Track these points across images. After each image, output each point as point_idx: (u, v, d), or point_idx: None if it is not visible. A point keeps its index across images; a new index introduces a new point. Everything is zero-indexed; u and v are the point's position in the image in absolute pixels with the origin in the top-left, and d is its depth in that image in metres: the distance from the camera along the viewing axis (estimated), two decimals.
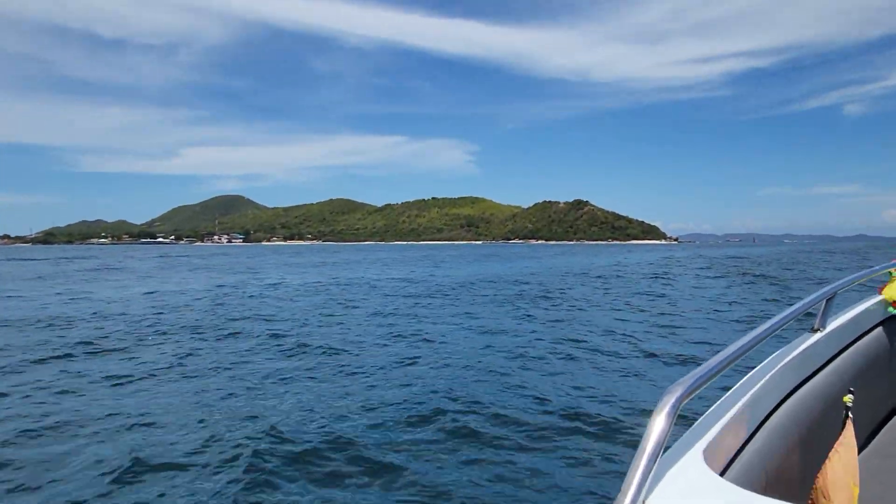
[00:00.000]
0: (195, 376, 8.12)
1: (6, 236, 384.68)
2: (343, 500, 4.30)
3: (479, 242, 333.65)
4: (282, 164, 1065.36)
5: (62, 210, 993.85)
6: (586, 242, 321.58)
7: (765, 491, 1.32)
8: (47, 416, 6.32)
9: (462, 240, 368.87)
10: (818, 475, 1.46)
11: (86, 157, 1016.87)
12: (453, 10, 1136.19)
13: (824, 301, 2.09)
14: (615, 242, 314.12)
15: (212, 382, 7.76)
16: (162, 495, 4.40)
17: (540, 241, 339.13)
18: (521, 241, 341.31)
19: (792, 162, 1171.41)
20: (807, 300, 1.92)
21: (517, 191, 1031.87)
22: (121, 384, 7.72)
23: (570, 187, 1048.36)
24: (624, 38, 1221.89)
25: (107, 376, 8.11)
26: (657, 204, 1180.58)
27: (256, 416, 6.17)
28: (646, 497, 0.97)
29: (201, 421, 6.07)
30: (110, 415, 6.37)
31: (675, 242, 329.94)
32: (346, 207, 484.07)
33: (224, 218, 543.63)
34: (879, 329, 2.58)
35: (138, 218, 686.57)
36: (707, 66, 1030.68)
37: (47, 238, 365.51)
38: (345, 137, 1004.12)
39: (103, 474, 4.77)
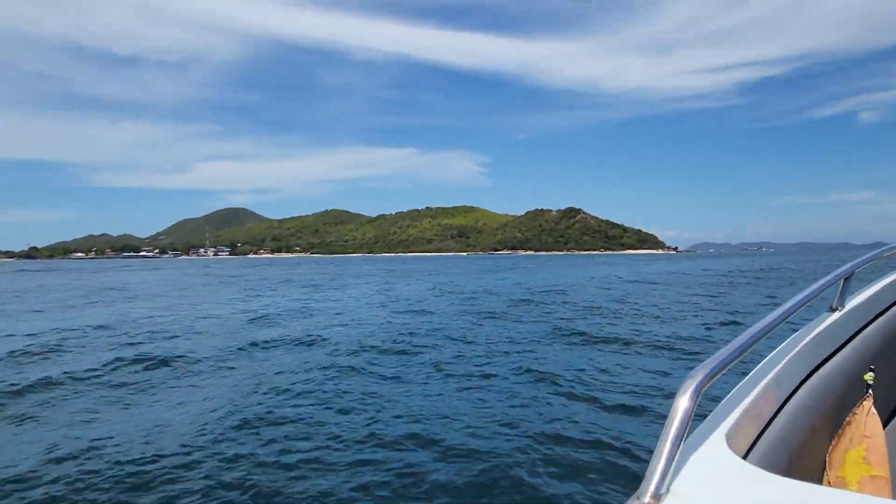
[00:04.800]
0: None
1: None
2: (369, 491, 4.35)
3: (465, 254, 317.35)
4: (293, 177, 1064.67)
5: (74, 225, 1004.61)
6: (576, 252, 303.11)
7: (788, 472, 1.32)
8: None
9: (451, 251, 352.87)
10: (834, 454, 1.47)
11: (100, 173, 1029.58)
12: (463, 22, 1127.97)
13: (842, 280, 2.04)
14: (608, 252, 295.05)
15: None
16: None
17: (529, 252, 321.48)
18: (509, 252, 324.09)
19: (807, 170, 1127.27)
20: (824, 280, 1.87)
21: (525, 200, 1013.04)
22: None
23: (574, 196, 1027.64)
24: (635, 48, 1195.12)
25: None
26: (669, 214, 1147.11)
27: None
28: (671, 482, 0.97)
29: None
30: None
31: (674, 252, 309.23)
32: (339, 219, 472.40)
33: (222, 231, 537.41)
34: None
35: (144, 232, 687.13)
36: (719, 75, 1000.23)
37: (30, 253, 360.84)
38: (355, 150, 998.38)
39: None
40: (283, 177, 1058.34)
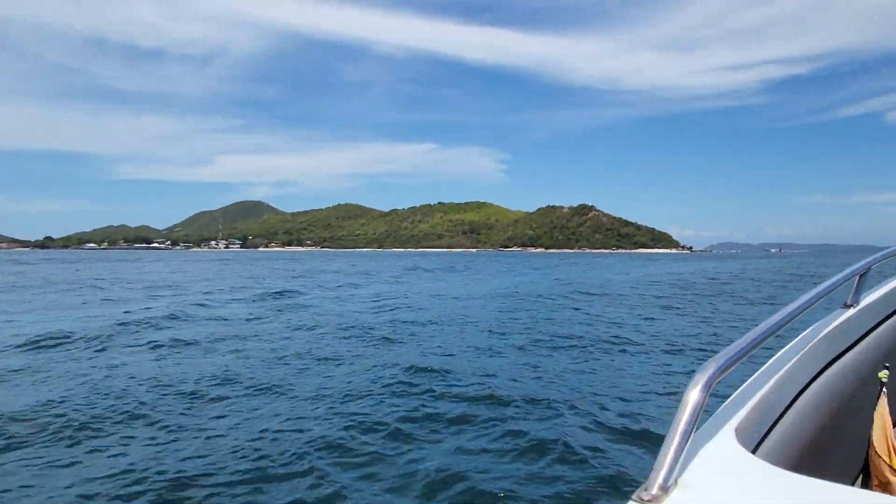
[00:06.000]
0: None
1: (14, 240, 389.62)
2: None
3: (475, 250, 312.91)
4: (312, 171, 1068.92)
5: (95, 216, 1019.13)
6: (588, 251, 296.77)
7: (798, 468, 1.27)
8: None
9: (461, 247, 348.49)
10: (869, 452, 1.44)
11: (122, 165, 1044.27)
12: (483, 18, 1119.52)
13: (857, 277, 2.00)
14: (620, 251, 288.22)
15: None
16: None
17: (539, 249, 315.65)
18: (519, 249, 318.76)
19: (831, 170, 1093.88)
20: (840, 276, 1.82)
21: (542, 198, 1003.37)
22: None
23: (591, 194, 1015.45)
24: (656, 45, 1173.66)
25: None
26: (688, 213, 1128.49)
27: None
28: (678, 475, 0.96)
29: None
30: None
31: (688, 251, 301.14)
32: (352, 213, 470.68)
33: (236, 223, 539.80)
34: None
35: (162, 223, 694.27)
36: (742, 73, 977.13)
37: (45, 243, 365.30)
38: (375, 145, 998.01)
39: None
40: (303, 171, 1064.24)
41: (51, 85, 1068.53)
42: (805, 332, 1.80)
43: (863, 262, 2.03)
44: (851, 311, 2.01)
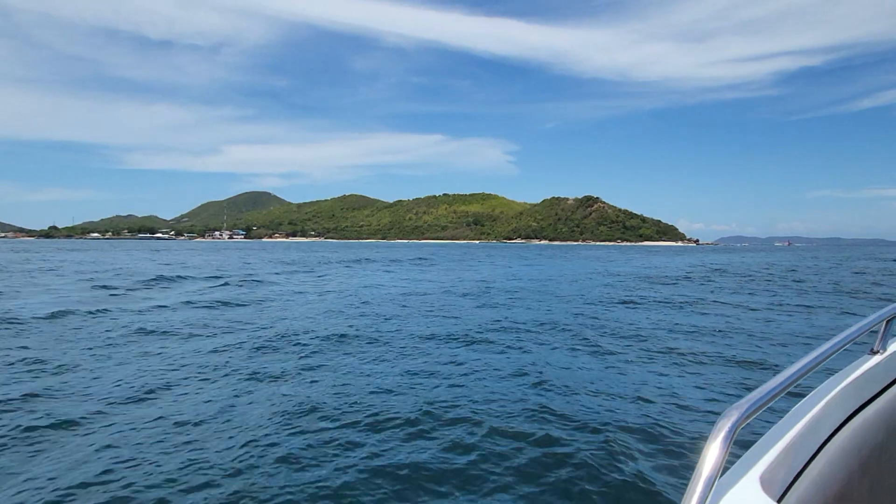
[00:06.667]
0: None
1: (20, 229, 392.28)
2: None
3: (478, 242, 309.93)
4: (321, 162, 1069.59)
5: (104, 205, 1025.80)
6: (592, 243, 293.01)
7: None
8: None
9: (465, 238, 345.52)
10: None
11: (131, 155, 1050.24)
12: (493, 8, 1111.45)
13: (884, 322, 1.96)
14: (624, 243, 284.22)
15: None
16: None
17: (543, 241, 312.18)
18: (522, 241, 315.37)
19: (843, 163, 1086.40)
20: (866, 321, 1.80)
21: (549, 189, 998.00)
22: None
23: (598, 186, 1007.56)
24: (667, 36, 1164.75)
25: None
26: (698, 206, 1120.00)
27: None
28: None
29: None
30: None
31: (695, 244, 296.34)
32: (357, 204, 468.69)
33: (243, 214, 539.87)
34: None
35: (169, 213, 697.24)
36: (755, 65, 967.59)
37: (50, 232, 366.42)
38: (384, 136, 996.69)
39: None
40: (311, 161, 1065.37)
41: (60, 75, 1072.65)
42: (830, 379, 1.77)
43: (889, 308, 1.97)
44: (878, 358, 1.97)
